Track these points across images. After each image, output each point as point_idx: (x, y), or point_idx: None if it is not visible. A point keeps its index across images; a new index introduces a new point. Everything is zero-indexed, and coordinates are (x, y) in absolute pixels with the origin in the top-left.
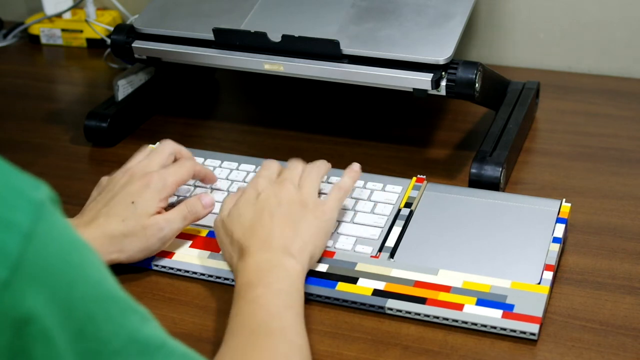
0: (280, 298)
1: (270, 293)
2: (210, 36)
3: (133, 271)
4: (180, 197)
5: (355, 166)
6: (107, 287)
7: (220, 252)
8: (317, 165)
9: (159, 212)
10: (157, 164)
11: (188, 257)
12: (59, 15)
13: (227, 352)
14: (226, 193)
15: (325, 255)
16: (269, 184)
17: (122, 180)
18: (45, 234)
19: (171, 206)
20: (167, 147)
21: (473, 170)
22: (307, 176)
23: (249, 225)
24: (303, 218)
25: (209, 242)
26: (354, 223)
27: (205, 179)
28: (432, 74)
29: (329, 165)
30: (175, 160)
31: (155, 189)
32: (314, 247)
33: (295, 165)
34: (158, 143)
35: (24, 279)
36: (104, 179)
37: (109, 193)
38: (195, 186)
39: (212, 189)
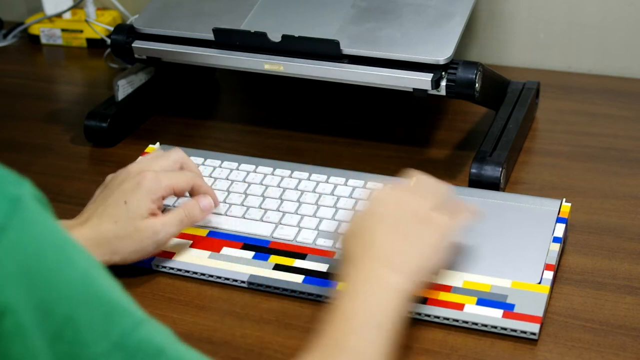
0: (370, 314)
1: (361, 307)
2: (210, 36)
3: (133, 271)
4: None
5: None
6: (91, 288)
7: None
8: (445, 184)
9: (153, 214)
10: (159, 166)
11: (188, 257)
12: (59, 15)
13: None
14: (226, 193)
15: (326, 255)
16: (394, 191)
17: (119, 179)
18: (20, 230)
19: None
20: (174, 154)
21: (473, 170)
22: (436, 190)
23: (358, 230)
24: (418, 232)
25: (209, 242)
26: None
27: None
28: (432, 74)
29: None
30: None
31: (147, 189)
32: (426, 265)
33: (425, 178)
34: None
35: None
36: (109, 177)
37: (107, 191)
38: None
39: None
